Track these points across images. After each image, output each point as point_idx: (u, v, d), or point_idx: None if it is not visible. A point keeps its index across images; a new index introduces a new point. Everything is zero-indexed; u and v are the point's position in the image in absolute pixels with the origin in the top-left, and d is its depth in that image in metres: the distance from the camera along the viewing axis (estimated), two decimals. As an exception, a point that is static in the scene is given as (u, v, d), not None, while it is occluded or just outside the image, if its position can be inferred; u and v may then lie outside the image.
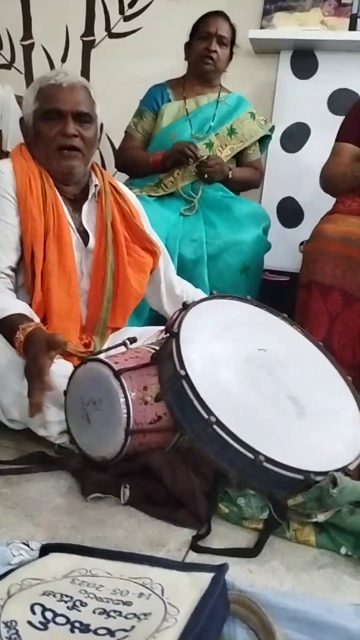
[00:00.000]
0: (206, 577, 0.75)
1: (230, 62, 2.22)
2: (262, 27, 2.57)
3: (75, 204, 1.44)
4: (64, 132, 1.35)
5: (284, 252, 2.40)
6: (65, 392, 1.16)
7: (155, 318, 1.81)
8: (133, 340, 1.23)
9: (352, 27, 2.50)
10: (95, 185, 1.46)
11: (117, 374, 1.06)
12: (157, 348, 1.16)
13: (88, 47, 2.84)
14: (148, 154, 2.11)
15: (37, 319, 1.26)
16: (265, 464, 0.95)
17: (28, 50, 2.92)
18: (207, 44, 2.11)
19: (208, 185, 2.03)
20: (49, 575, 0.76)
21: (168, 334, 1.14)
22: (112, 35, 2.82)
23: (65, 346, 1.14)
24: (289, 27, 2.54)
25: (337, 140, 2.03)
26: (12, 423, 1.23)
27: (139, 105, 2.25)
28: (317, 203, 2.45)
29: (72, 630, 0.66)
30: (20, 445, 1.25)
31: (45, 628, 0.66)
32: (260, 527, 1.02)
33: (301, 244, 1.91)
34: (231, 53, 2.19)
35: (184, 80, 2.21)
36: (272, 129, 2.24)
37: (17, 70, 2.94)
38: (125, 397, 1.05)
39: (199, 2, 2.57)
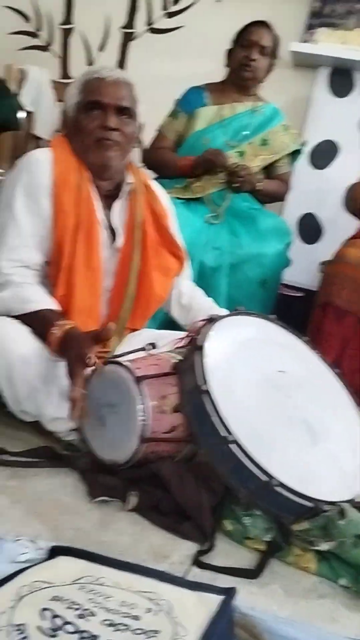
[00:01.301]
0: (214, 599, 0.76)
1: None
2: (303, 41, 2.56)
3: (108, 201, 1.43)
4: (104, 125, 1.35)
5: (301, 267, 2.41)
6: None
7: (169, 321, 1.81)
8: (153, 346, 1.23)
9: (394, 52, 2.50)
10: (129, 183, 1.45)
11: (137, 380, 1.06)
12: (178, 357, 1.16)
13: (127, 39, 2.83)
14: (177, 158, 2.10)
15: None
16: (277, 488, 0.95)
17: (66, 34, 2.90)
18: (247, 52, 2.10)
19: (235, 194, 2.02)
20: (59, 579, 0.77)
21: (190, 345, 1.14)
22: (153, 30, 2.80)
23: (109, 336, 1.15)
24: (330, 43, 2.54)
25: (369, 164, 2.03)
26: (23, 414, 1.23)
27: (174, 105, 2.23)
28: (337, 222, 2.46)
29: (80, 641, 0.66)
30: (28, 437, 1.25)
31: (55, 635, 0.66)
32: (262, 548, 1.03)
33: (322, 263, 1.92)
34: (272, 64, 2.18)
35: (222, 85, 2.19)
36: (304, 144, 2.23)
37: (53, 53, 2.93)
38: (144, 404, 1.05)
39: (244, 8, 2.57)
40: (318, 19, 2.58)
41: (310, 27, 2.58)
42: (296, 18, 2.60)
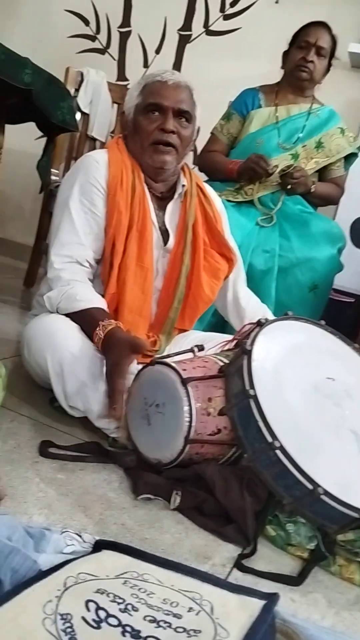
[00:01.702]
0: (256, 604, 0.76)
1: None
2: (363, 42, 2.51)
3: (161, 202, 1.46)
4: (162, 127, 1.37)
5: (353, 272, 2.36)
6: (128, 389, 1.18)
7: (217, 323, 1.82)
8: (200, 348, 1.24)
9: None
10: (183, 186, 1.47)
11: (184, 382, 1.07)
12: (225, 360, 1.17)
13: (184, 41, 2.85)
14: (228, 162, 2.10)
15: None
16: (322, 496, 0.94)
17: (124, 37, 2.95)
18: (304, 54, 2.07)
19: (288, 197, 2.01)
20: (103, 573, 0.78)
21: (238, 349, 1.14)
22: (209, 32, 2.81)
23: (146, 350, 1.16)
24: (391, 44, 2.48)
25: None
26: (72, 410, 1.26)
27: (228, 107, 2.24)
28: (392, 227, 2.40)
29: (123, 634, 0.67)
30: (76, 432, 1.28)
31: (98, 627, 0.68)
32: (304, 555, 1.02)
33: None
34: (329, 65, 2.15)
35: (278, 87, 2.18)
36: (360, 147, 2.19)
37: (111, 56, 2.98)
38: (190, 405, 1.06)
39: (302, 8, 2.55)
40: (379, 19, 2.52)
41: (370, 28, 2.53)
42: (355, 18, 2.56)
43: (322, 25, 2.11)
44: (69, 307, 1.27)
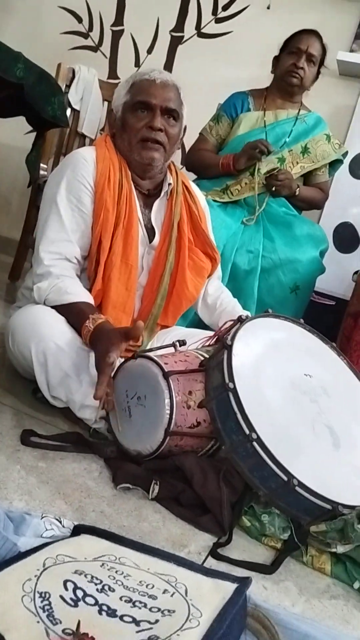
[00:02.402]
0: (229, 587, 0.78)
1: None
2: (351, 51, 2.57)
3: (147, 200, 1.48)
4: (150, 125, 1.39)
5: (334, 276, 2.41)
6: (109, 382, 1.20)
7: (200, 320, 1.84)
8: (182, 343, 1.26)
9: None
10: (169, 184, 1.49)
11: (166, 375, 1.09)
12: (206, 355, 1.19)
13: (175, 42, 2.88)
14: (218, 157, 2.13)
15: None
16: (297, 488, 0.97)
17: (117, 36, 2.97)
18: (295, 60, 2.11)
19: (273, 199, 2.04)
20: (81, 555, 0.80)
21: (219, 344, 1.17)
22: (201, 34, 2.85)
23: (137, 336, 1.17)
24: (378, 54, 2.54)
25: None
26: (54, 400, 1.27)
27: (217, 109, 2.27)
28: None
29: (99, 612, 0.70)
30: (58, 422, 1.29)
31: (76, 605, 0.70)
32: (278, 546, 1.05)
33: (355, 273, 1.92)
34: (318, 72, 2.19)
35: (267, 92, 2.22)
36: (345, 154, 2.23)
37: (103, 54, 3.00)
38: (171, 398, 1.08)
39: (293, 15, 2.60)
40: (367, 29, 2.58)
41: (359, 37, 2.58)
42: (345, 27, 2.61)
43: (314, 33, 2.15)
44: (58, 300, 1.29)
